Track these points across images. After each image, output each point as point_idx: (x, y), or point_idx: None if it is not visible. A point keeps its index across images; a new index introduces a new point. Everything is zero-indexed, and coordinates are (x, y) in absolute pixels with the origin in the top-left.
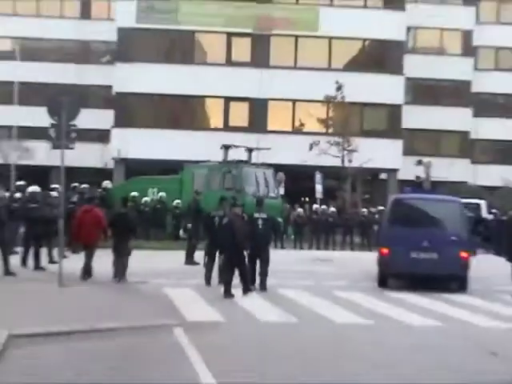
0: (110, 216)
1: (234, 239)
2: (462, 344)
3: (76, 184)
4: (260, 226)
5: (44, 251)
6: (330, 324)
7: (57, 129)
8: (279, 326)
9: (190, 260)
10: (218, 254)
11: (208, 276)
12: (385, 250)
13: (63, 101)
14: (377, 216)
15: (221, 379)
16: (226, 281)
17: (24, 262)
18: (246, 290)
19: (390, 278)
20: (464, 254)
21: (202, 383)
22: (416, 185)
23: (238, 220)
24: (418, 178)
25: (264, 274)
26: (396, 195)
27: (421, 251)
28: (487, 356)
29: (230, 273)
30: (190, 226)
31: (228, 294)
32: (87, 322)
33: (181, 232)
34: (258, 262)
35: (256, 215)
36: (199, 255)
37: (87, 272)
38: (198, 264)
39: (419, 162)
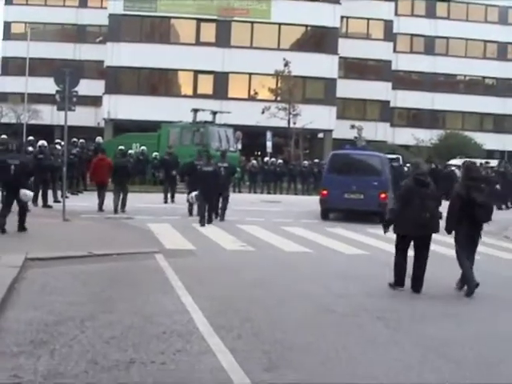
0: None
1: (216, 183)
2: (378, 267)
3: (75, 139)
4: (223, 173)
5: (50, 193)
6: (280, 252)
7: (61, 94)
8: (240, 253)
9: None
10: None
11: (202, 211)
12: (325, 192)
13: (66, 72)
14: (314, 167)
15: (191, 290)
16: (202, 214)
17: (35, 201)
18: (211, 220)
19: (330, 212)
20: (383, 195)
21: (179, 294)
22: (353, 143)
23: (218, 169)
24: (355, 138)
25: (224, 209)
26: (334, 151)
27: (351, 193)
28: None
29: (205, 208)
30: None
31: (203, 223)
32: (86, 248)
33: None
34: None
35: (219, 164)
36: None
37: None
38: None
39: (353, 126)
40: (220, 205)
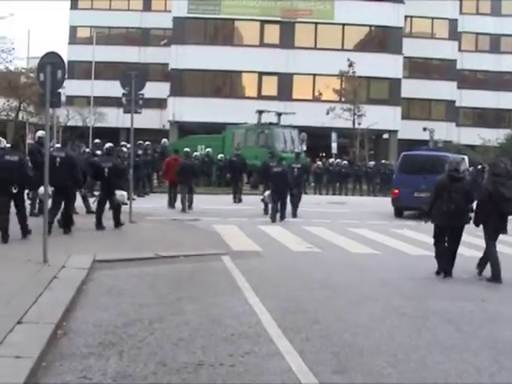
0: (180, 165)
1: (285, 182)
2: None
3: (140, 141)
4: (296, 173)
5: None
6: (347, 253)
7: (127, 97)
8: (307, 254)
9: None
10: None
11: (274, 209)
12: (396, 191)
13: (132, 75)
14: (381, 168)
15: (258, 292)
16: (274, 211)
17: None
18: (283, 217)
19: (404, 210)
20: None
21: (246, 296)
22: (424, 144)
23: (289, 169)
24: (435, 142)
25: (296, 206)
26: (404, 152)
27: (420, 191)
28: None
29: (276, 205)
30: (229, 175)
31: (274, 219)
32: (153, 250)
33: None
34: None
35: (293, 165)
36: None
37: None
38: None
39: (425, 129)
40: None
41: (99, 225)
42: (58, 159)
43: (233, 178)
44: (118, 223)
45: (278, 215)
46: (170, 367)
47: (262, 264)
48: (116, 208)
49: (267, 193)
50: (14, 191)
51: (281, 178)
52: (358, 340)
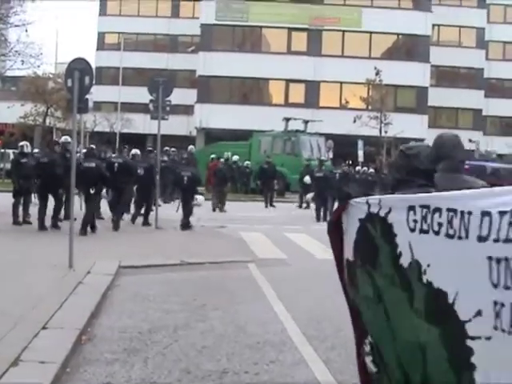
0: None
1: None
2: None
3: (166, 147)
4: (337, 177)
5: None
6: None
7: (155, 103)
8: (332, 262)
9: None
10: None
11: (318, 213)
12: None
13: (160, 81)
14: None
15: (283, 299)
16: (318, 212)
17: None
18: (325, 218)
19: None
20: None
21: (271, 303)
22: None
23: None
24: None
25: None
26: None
27: None
28: None
29: (320, 207)
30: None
31: (318, 219)
32: (178, 256)
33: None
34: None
35: (316, 174)
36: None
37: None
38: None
39: (470, 141)
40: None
41: (187, 226)
42: (116, 165)
43: (264, 185)
44: (187, 226)
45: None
46: (195, 375)
47: (288, 271)
48: (189, 211)
49: (310, 195)
50: (92, 192)
51: (323, 182)
52: None
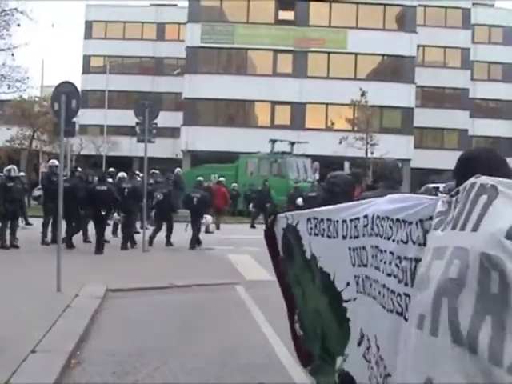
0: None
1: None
2: None
3: (153, 170)
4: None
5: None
6: None
7: (141, 126)
8: None
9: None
10: None
11: None
12: None
13: (146, 104)
14: None
15: (272, 321)
16: None
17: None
18: None
19: None
20: None
21: (260, 326)
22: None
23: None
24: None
25: None
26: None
27: None
28: None
29: None
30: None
31: None
32: (166, 279)
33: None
34: None
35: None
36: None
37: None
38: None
39: None
40: None
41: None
42: (126, 190)
43: (258, 207)
44: (197, 242)
45: None
46: None
47: (276, 293)
48: (198, 230)
49: None
50: (103, 213)
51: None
52: None
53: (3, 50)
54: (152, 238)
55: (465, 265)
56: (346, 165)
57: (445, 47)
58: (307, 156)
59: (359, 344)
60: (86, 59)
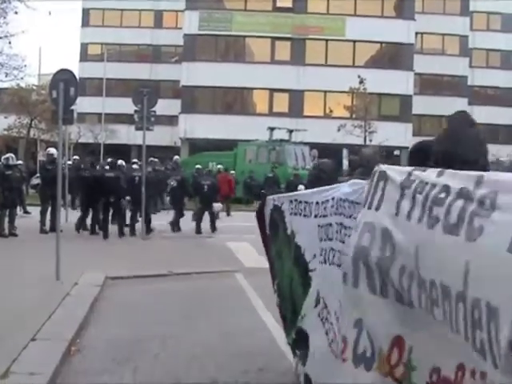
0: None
1: None
2: None
3: (151, 158)
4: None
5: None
6: None
7: (139, 114)
8: None
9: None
10: None
11: None
12: None
13: (144, 92)
14: None
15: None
16: None
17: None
18: None
19: None
20: None
21: (259, 312)
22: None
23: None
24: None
25: None
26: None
27: None
28: None
29: None
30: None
31: None
32: (166, 267)
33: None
34: None
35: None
36: None
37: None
38: None
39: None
40: None
41: (198, 231)
42: (137, 178)
43: (268, 193)
44: (213, 228)
45: None
46: None
47: None
48: (212, 216)
49: None
50: (112, 200)
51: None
52: None
53: (0, 37)
54: (174, 224)
55: (372, 235)
56: (345, 152)
57: (443, 34)
58: (305, 144)
59: (316, 305)
60: (84, 47)
